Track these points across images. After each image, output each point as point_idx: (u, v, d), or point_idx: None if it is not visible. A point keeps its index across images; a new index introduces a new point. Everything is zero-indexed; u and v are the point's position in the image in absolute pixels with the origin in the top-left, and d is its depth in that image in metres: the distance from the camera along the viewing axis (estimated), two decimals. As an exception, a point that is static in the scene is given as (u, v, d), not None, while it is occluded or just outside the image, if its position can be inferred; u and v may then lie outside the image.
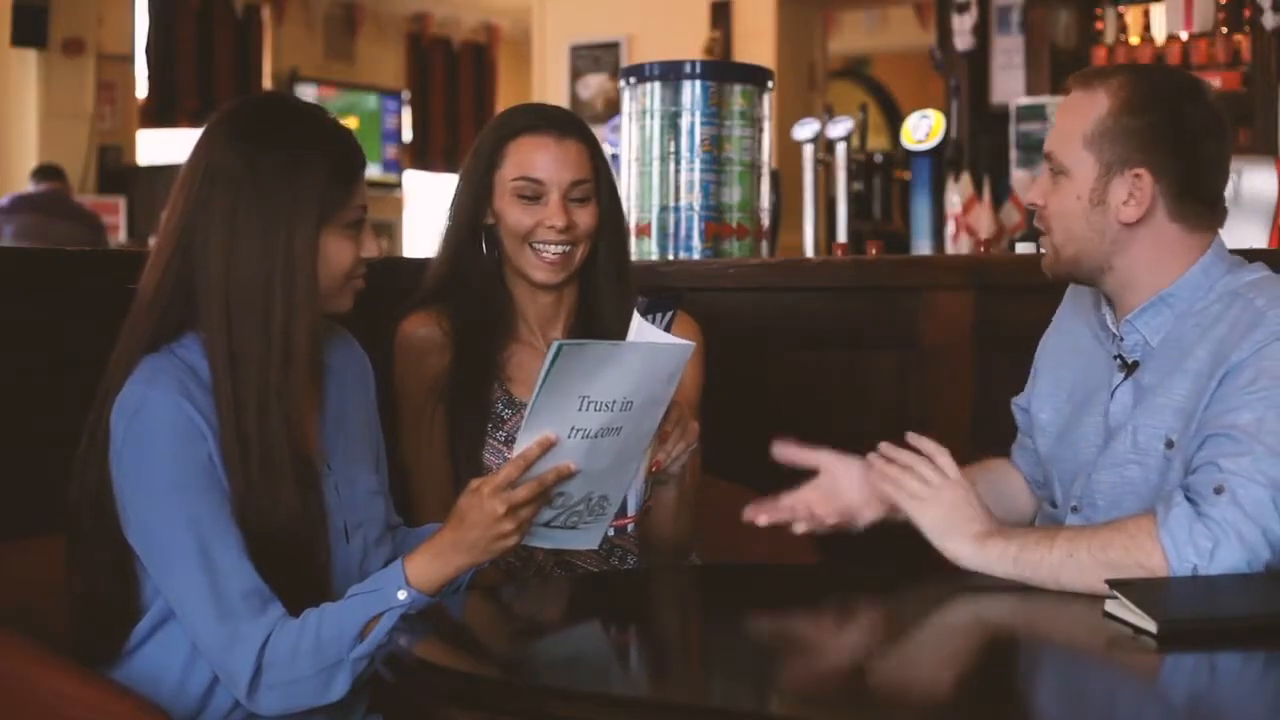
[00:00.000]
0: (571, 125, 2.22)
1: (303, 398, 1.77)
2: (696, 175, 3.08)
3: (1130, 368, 1.93)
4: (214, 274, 1.73)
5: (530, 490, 1.68)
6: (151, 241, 1.83)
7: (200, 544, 1.67)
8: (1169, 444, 1.85)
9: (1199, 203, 1.91)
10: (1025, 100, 6.46)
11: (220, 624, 1.66)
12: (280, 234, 1.73)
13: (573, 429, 1.67)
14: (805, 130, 4.12)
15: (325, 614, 1.68)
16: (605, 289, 2.24)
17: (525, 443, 1.67)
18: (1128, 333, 1.94)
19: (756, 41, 8.17)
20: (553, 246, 2.17)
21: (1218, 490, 1.74)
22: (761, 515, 1.99)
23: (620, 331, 2.14)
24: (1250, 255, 2.00)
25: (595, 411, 1.67)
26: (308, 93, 10.56)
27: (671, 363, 1.74)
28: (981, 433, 2.65)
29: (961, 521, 1.85)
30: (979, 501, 1.88)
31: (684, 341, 1.79)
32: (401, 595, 1.67)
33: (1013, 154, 6.31)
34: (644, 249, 3.13)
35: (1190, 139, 1.90)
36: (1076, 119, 1.91)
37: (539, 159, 2.18)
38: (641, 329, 1.89)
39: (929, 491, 1.88)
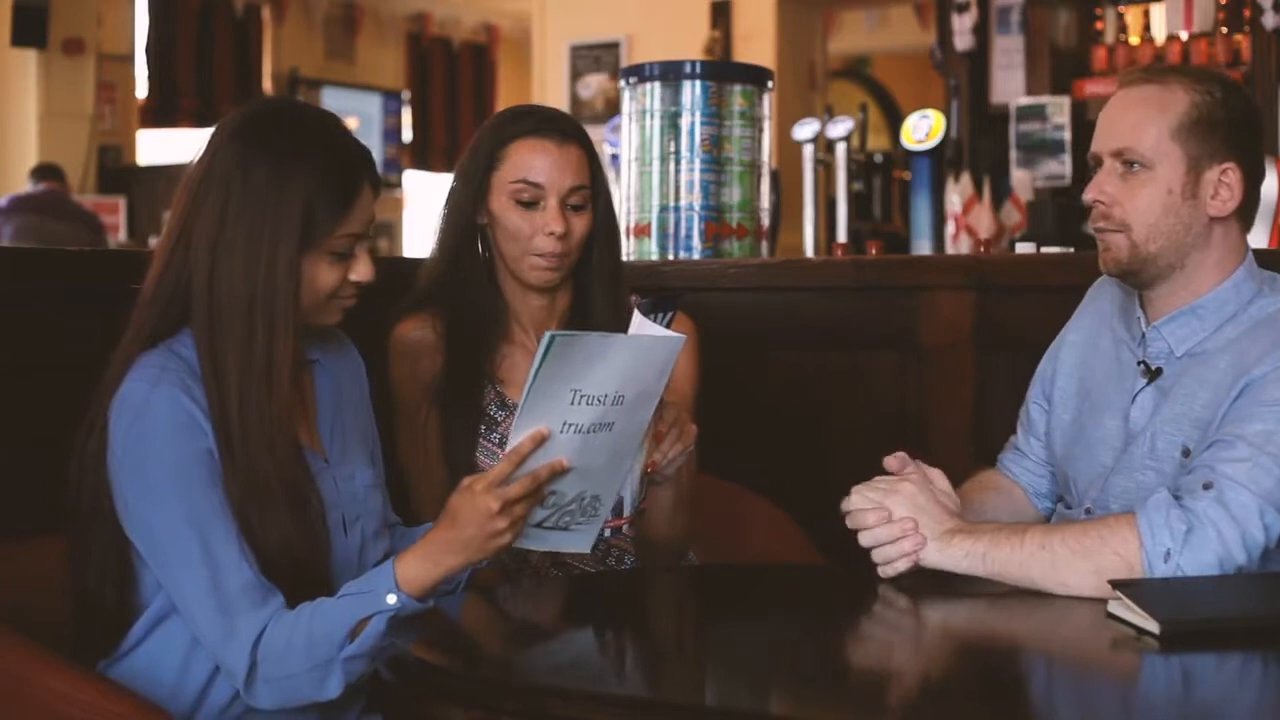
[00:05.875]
0: (573, 131, 2.21)
1: (292, 421, 1.75)
2: (696, 175, 3.08)
3: (1153, 374, 1.93)
4: (201, 277, 1.73)
5: (524, 486, 1.65)
6: (153, 240, 1.83)
7: (201, 539, 1.67)
8: (1186, 453, 1.86)
9: (1256, 199, 1.94)
10: (1025, 100, 6.46)
11: (219, 619, 1.66)
12: (262, 250, 1.71)
13: (565, 424, 1.65)
14: (805, 130, 4.12)
15: (318, 610, 1.67)
16: (599, 292, 2.24)
17: (518, 438, 1.65)
18: (1154, 339, 1.94)
19: (756, 41, 8.17)
20: (548, 252, 2.17)
21: (1205, 486, 1.75)
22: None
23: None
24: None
25: (587, 406, 1.66)
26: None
27: (662, 355, 1.73)
28: (982, 433, 2.65)
29: (926, 522, 1.84)
30: (939, 501, 1.87)
31: (674, 334, 1.78)
32: (390, 599, 1.65)
33: (1013, 154, 6.31)
34: (644, 249, 3.13)
35: (1259, 132, 1.94)
36: (1157, 111, 1.89)
37: (539, 163, 2.17)
38: (642, 326, 1.88)
39: (881, 497, 1.86)
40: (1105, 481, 1.95)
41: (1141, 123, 1.90)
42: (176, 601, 1.71)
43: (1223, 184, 1.89)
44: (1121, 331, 2.02)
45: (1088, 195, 1.93)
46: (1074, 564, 1.75)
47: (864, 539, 1.85)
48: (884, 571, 1.84)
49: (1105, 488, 1.95)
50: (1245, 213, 1.93)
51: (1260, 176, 1.94)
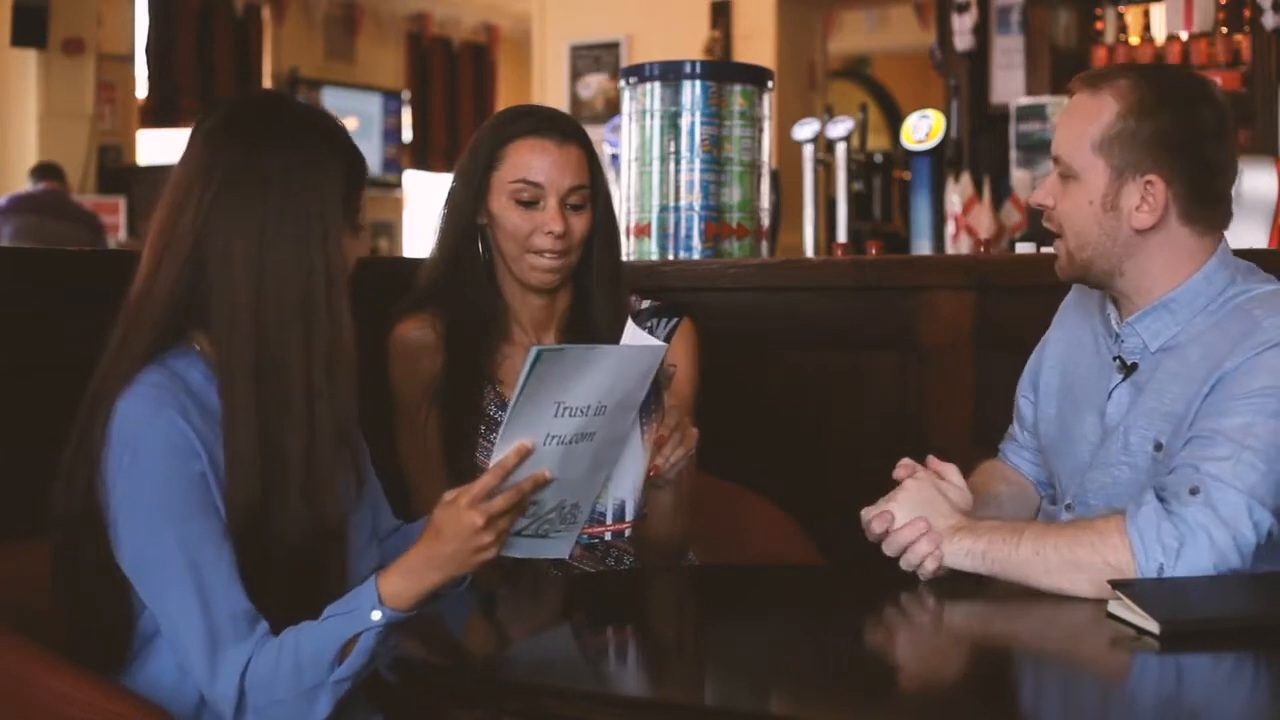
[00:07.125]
0: (572, 131, 2.22)
1: (354, 404, 1.75)
2: (696, 175, 3.08)
3: (1128, 369, 1.93)
4: (240, 283, 1.68)
5: (508, 500, 1.62)
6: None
7: (192, 566, 1.64)
8: (1158, 447, 1.86)
9: (1209, 205, 1.90)
10: (1025, 100, 6.46)
11: (208, 651, 1.63)
12: (314, 239, 1.70)
13: (548, 436, 1.64)
14: (805, 130, 4.12)
15: (303, 634, 1.64)
16: (598, 292, 2.24)
17: (502, 451, 1.63)
18: (1128, 335, 1.94)
19: (756, 41, 8.17)
20: (548, 252, 2.17)
21: (1193, 491, 1.74)
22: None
23: (612, 335, 2.14)
24: (1250, 255, 1.99)
25: (570, 417, 1.65)
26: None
27: (644, 365, 1.73)
28: (982, 433, 2.65)
29: (932, 517, 1.85)
30: (944, 496, 1.87)
31: (657, 343, 1.78)
32: (376, 616, 1.62)
33: (1013, 154, 6.31)
34: (644, 249, 3.13)
35: (1200, 142, 1.88)
36: (1084, 123, 1.89)
37: (539, 163, 2.17)
38: (635, 336, 1.88)
39: (885, 502, 1.88)
40: (1083, 477, 1.96)
41: (1072, 133, 1.90)
42: (164, 627, 1.68)
43: (1146, 196, 1.86)
44: (1100, 328, 2.02)
45: (1033, 199, 1.97)
46: (1068, 574, 1.75)
47: (886, 548, 1.87)
48: (920, 575, 1.84)
49: (1083, 483, 1.96)
50: (1197, 217, 1.88)
51: (1204, 183, 1.88)
